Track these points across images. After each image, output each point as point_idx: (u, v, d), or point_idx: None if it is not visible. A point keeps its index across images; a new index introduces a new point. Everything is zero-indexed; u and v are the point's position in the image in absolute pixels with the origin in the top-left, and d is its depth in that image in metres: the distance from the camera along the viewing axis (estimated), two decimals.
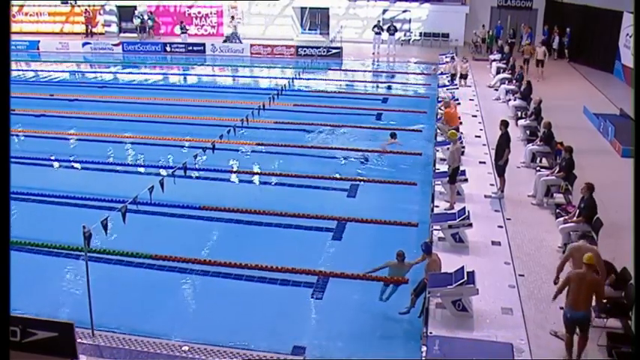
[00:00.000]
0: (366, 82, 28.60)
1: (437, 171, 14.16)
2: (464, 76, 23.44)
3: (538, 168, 14.20)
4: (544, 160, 15.03)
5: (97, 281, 9.13)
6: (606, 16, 26.26)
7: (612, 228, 11.14)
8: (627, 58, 24.21)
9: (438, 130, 17.15)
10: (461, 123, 17.14)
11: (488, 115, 19.29)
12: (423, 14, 33.19)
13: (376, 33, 31.09)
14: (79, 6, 35.55)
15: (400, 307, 9.80)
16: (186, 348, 8.72)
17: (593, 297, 8.12)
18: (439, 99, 20.41)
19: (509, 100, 20.27)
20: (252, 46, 32.26)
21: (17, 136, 18.69)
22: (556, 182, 12.87)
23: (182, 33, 33.64)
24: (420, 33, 33.38)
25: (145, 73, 30.11)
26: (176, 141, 18.30)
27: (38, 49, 33.27)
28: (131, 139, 18.86)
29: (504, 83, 22.12)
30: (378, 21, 31.99)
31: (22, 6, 35.89)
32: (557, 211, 12.11)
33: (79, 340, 8.49)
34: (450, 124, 16.83)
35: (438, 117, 18.46)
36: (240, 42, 32.89)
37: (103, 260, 11.34)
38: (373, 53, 31.15)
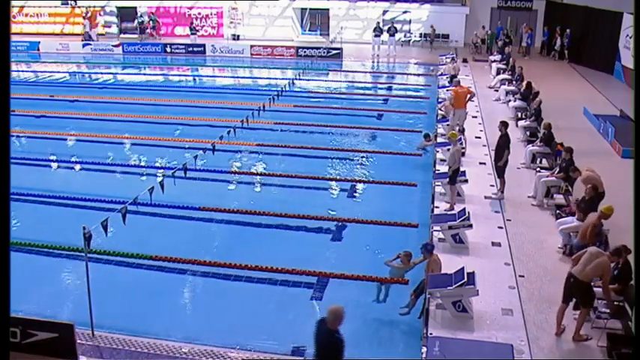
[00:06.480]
0: (366, 83, 28.59)
1: (437, 172, 14.16)
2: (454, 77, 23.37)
3: (538, 169, 14.20)
4: (544, 161, 15.03)
5: (97, 282, 9.12)
6: (606, 17, 26.29)
7: (612, 229, 11.11)
8: (627, 59, 24.22)
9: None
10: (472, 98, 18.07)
11: (489, 116, 19.28)
12: (423, 15, 33.21)
13: (375, 35, 31.10)
14: (79, 7, 35.58)
15: (400, 308, 9.81)
16: (186, 349, 8.71)
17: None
18: (439, 100, 20.43)
19: (509, 100, 20.27)
20: (252, 47, 32.28)
21: (18, 137, 18.68)
22: (556, 183, 12.88)
23: (192, 34, 33.70)
24: (420, 34, 33.41)
25: (145, 74, 30.13)
26: (176, 142, 18.32)
27: (38, 50, 33.29)
28: (131, 140, 18.85)
29: (504, 84, 22.13)
30: (377, 23, 32.00)
31: (22, 7, 35.92)
32: (558, 212, 12.12)
33: (79, 341, 8.47)
34: (456, 103, 17.15)
35: (439, 118, 18.48)
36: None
37: (103, 261, 11.32)
38: (373, 54, 31.16)
